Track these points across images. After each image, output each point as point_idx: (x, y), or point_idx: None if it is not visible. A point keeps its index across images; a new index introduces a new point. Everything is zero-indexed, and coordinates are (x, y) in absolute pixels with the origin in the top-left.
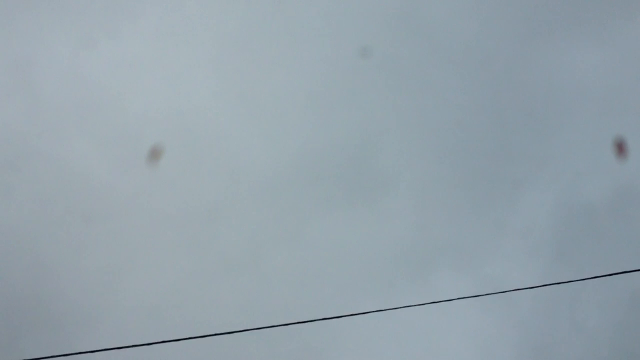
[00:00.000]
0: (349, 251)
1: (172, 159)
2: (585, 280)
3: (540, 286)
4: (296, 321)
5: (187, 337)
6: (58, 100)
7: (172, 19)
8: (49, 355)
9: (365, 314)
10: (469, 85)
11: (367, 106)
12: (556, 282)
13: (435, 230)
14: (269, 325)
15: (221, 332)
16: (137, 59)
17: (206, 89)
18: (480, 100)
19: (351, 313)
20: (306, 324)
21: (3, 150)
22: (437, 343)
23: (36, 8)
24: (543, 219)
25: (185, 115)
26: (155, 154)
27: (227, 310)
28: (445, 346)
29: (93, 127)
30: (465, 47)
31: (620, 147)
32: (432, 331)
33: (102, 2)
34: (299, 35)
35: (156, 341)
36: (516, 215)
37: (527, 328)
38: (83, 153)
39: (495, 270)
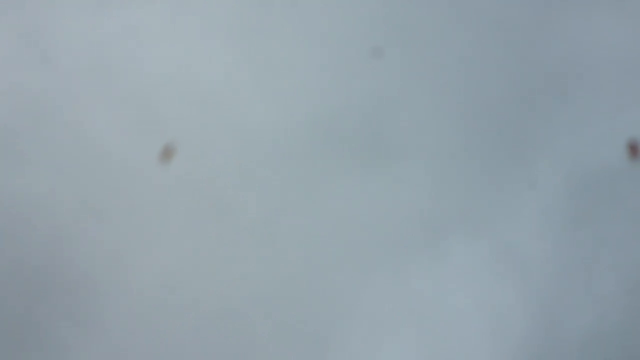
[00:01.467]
0: (363, 217)
1: (185, 126)
2: (601, 245)
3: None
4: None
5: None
6: (72, 65)
7: None
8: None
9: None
10: (487, 49)
11: (381, 69)
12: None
13: (450, 197)
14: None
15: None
16: (151, 24)
17: (219, 54)
18: (498, 65)
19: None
20: (319, 289)
21: (18, 115)
22: (450, 311)
23: None
24: (559, 184)
25: (198, 82)
26: (167, 154)
27: (239, 278)
28: (458, 313)
29: (108, 93)
30: (483, 10)
31: (634, 149)
32: (445, 299)
33: None
34: None
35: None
36: (532, 180)
37: (541, 295)
38: (98, 119)
39: (511, 236)
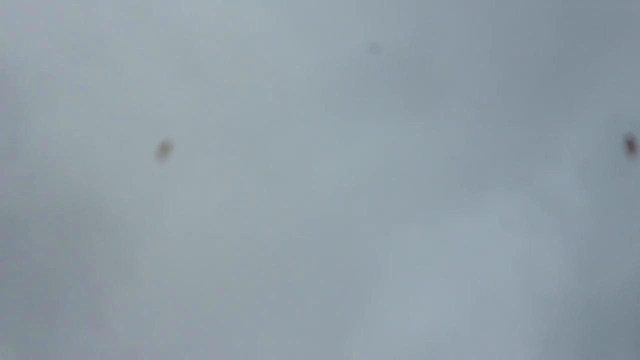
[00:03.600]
0: (401, 161)
1: (222, 69)
2: None
3: None
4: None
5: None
6: (114, 6)
7: None
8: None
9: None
10: None
11: (423, 5)
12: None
13: (490, 142)
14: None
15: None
16: None
17: None
18: (543, 4)
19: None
20: (354, 234)
21: (57, 54)
22: (487, 260)
23: None
24: (601, 132)
25: (232, 23)
26: (164, 150)
27: (274, 221)
28: (496, 262)
29: (148, 37)
30: None
31: (631, 145)
32: (482, 248)
33: None
34: None
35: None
36: (572, 129)
37: (581, 244)
38: (138, 62)
39: (551, 185)
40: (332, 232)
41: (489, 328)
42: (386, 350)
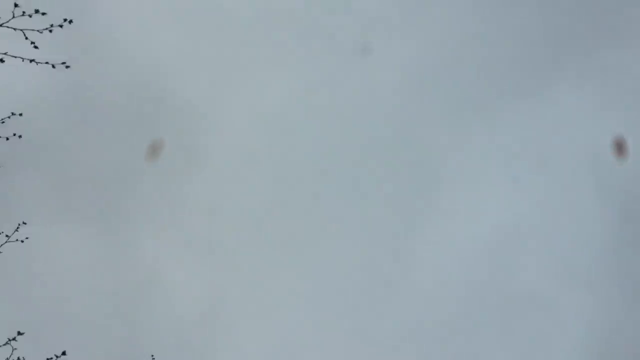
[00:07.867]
0: (468, 45)
1: None
2: None
3: None
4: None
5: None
6: None
7: None
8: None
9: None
10: None
11: None
12: None
13: (562, 35)
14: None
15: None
16: None
17: None
18: None
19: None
20: (420, 128)
21: None
22: (550, 150)
23: None
24: None
25: None
26: (154, 149)
27: (339, 113)
28: (559, 152)
29: None
30: None
31: (620, 147)
32: (546, 139)
33: None
34: None
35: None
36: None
37: None
38: None
39: (620, 84)
40: (398, 127)
41: (557, 219)
42: (454, 244)
